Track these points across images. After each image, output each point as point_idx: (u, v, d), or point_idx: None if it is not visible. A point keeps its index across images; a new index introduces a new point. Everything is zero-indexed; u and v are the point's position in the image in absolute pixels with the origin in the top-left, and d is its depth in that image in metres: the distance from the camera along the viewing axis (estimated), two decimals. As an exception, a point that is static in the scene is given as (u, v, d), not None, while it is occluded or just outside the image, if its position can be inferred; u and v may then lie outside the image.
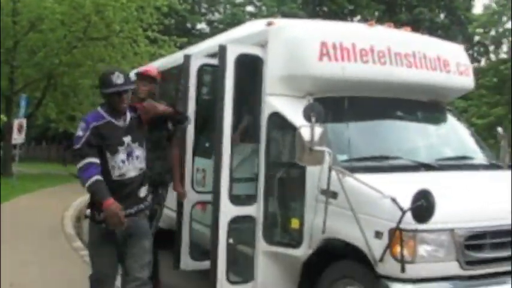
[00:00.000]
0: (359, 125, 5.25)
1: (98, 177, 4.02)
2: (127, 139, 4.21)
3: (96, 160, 4.07)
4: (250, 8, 40.62)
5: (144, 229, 4.40)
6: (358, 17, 39.82)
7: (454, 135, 5.76)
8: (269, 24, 5.23)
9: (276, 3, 37.25)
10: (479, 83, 28.58)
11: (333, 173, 4.22)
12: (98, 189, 4.03)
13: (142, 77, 5.61)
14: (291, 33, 5.11)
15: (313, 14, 37.31)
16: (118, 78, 4.13)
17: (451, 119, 5.91)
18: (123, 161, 4.18)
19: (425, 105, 5.67)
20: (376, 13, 38.94)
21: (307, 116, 4.18)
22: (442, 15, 40.43)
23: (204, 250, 5.75)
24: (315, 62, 4.93)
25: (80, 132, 4.11)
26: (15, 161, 18.30)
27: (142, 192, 4.35)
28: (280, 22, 5.31)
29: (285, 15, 35.86)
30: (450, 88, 5.69)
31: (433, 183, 4.16)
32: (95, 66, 20.76)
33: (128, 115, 4.29)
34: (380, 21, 33.35)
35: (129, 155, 4.20)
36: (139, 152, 4.27)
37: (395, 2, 39.22)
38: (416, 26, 38.70)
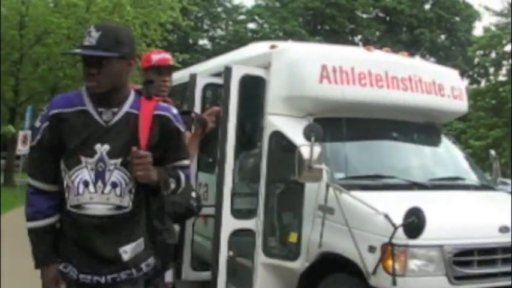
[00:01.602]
0: (356, 144, 5.51)
1: (41, 222, 2.64)
2: (101, 148, 2.58)
3: (48, 183, 2.65)
4: (252, 25, 41.05)
5: None
6: (359, 37, 40.29)
7: (448, 156, 5.99)
8: (272, 47, 5.50)
9: (278, 21, 37.68)
10: (477, 105, 29.00)
11: (330, 190, 4.46)
12: (36, 243, 2.69)
13: (165, 67, 4.48)
14: (293, 56, 5.36)
15: (314, 33, 37.76)
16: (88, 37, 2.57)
17: (445, 141, 6.15)
18: (85, 184, 2.56)
19: (421, 127, 5.91)
20: (377, 33, 39.36)
21: (306, 135, 4.42)
22: (442, 36, 40.89)
23: (205, 261, 5.95)
24: (316, 84, 5.18)
25: (37, 123, 2.69)
26: (18, 172, 18.54)
27: (127, 252, 2.63)
28: (282, 45, 5.57)
29: (287, 33, 36.36)
30: (444, 111, 5.93)
31: (425, 201, 4.42)
32: (98, 80, 21.01)
33: (125, 108, 2.64)
34: (381, 41, 33.66)
35: (99, 176, 2.56)
36: (118, 176, 2.58)
37: (397, 22, 39.63)
38: (417, 46, 39.34)
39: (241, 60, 6.02)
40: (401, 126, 5.74)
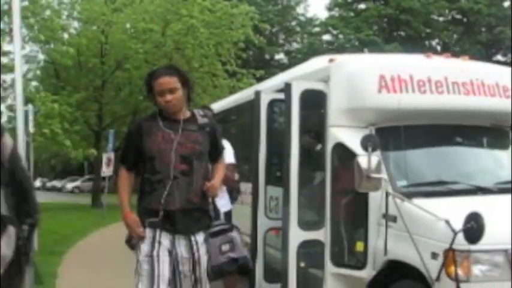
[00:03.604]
0: (419, 151, 5.53)
1: None
2: None
3: None
4: (327, 37, 41.06)
5: None
6: (436, 40, 39.49)
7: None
8: (331, 60, 5.62)
9: (353, 31, 37.47)
10: None
11: (390, 199, 4.53)
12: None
13: None
14: (351, 68, 5.47)
15: (390, 40, 37.32)
16: None
17: (513, 143, 6.05)
18: None
19: (486, 130, 5.85)
20: (455, 35, 38.44)
21: (364, 145, 4.52)
22: (525, 33, 39.36)
23: (277, 273, 6.10)
24: (374, 95, 5.26)
25: None
26: (104, 193, 19.37)
27: None
28: (340, 58, 5.68)
29: (362, 42, 36.15)
30: (510, 112, 5.83)
31: (489, 206, 4.42)
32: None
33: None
34: (459, 43, 32.74)
35: None
36: None
37: (474, 23, 38.56)
38: (497, 46, 38.15)
39: (301, 75, 6.17)
40: (465, 131, 5.71)
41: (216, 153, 4.15)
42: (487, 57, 32.36)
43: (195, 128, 3.96)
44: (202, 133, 3.97)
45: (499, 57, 38.72)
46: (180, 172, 3.82)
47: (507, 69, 6.24)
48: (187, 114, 4.02)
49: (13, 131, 5.95)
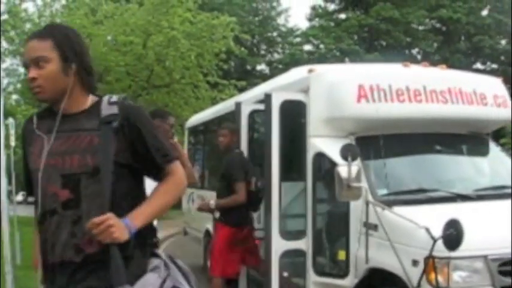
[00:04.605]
0: (399, 160, 5.59)
1: None
2: None
3: None
4: (308, 47, 41.21)
5: None
6: (417, 49, 39.81)
7: (496, 165, 5.96)
8: (310, 71, 5.66)
9: (333, 41, 37.65)
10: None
11: (371, 207, 4.56)
12: None
13: None
14: (330, 78, 5.51)
15: (370, 49, 37.58)
16: None
17: (494, 150, 6.12)
18: None
19: (465, 138, 5.93)
20: (435, 44, 38.78)
21: (344, 155, 4.55)
22: (503, 42, 39.86)
23: (260, 282, 6.12)
24: (354, 104, 5.30)
25: None
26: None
27: None
28: (320, 69, 5.72)
29: (343, 52, 36.38)
30: (488, 120, 5.91)
31: (468, 212, 4.48)
32: (159, 113, 21.75)
33: None
34: (439, 51, 32.97)
35: None
36: None
37: (454, 32, 38.96)
38: (477, 54, 38.55)
39: (281, 86, 6.21)
40: (444, 139, 5.77)
41: (150, 158, 2.38)
42: (467, 66, 32.67)
43: (92, 126, 2.34)
44: (106, 132, 2.31)
45: (479, 65, 39.12)
46: (59, 203, 2.29)
47: (484, 77, 6.34)
48: (84, 103, 2.43)
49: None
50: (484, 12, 39.34)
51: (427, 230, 4.17)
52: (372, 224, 4.68)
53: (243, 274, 6.30)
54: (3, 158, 5.96)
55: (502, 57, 38.84)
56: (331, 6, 42.02)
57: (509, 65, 34.42)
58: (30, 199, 2.57)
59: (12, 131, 8.95)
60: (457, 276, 4.13)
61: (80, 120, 2.36)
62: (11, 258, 6.08)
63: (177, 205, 5.46)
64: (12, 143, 9.04)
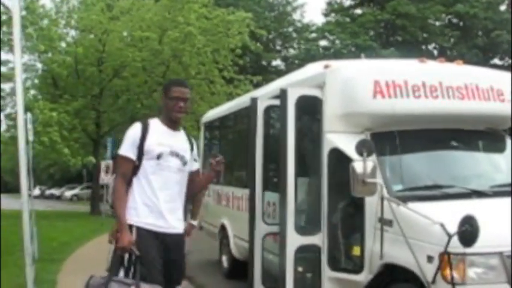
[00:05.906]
0: (415, 156, 5.57)
1: None
2: None
3: None
4: (323, 42, 41.09)
5: None
6: (433, 45, 39.55)
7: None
8: (326, 66, 5.67)
9: (349, 37, 37.50)
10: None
11: (385, 203, 4.57)
12: None
13: None
14: (346, 74, 5.51)
15: (386, 45, 37.40)
16: None
17: (508, 146, 6.07)
18: None
19: (481, 134, 5.89)
20: (452, 39, 38.49)
21: (359, 151, 4.56)
22: (522, 36, 39.41)
23: (275, 277, 6.13)
24: (369, 100, 5.30)
25: None
26: (102, 201, 19.39)
27: None
28: (336, 64, 5.73)
29: (359, 47, 36.21)
30: (505, 116, 5.87)
31: (484, 209, 4.46)
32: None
33: None
34: (456, 47, 32.63)
35: None
36: None
37: (471, 27, 38.61)
38: (494, 49, 38.19)
39: (297, 81, 6.22)
40: (460, 135, 5.74)
41: None
42: (484, 61, 32.42)
43: None
44: None
45: (496, 61, 38.76)
46: None
47: (501, 72, 6.29)
48: None
49: (13, 140, 6.00)
50: (502, 7, 38.89)
51: (442, 226, 4.17)
52: (387, 219, 4.69)
53: (257, 269, 6.31)
54: (23, 153, 6.00)
55: (520, 52, 38.40)
56: (347, 2, 41.89)
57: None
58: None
59: (29, 126, 9.00)
60: (472, 272, 4.13)
61: None
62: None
63: (193, 200, 5.49)
64: (30, 138, 9.09)
